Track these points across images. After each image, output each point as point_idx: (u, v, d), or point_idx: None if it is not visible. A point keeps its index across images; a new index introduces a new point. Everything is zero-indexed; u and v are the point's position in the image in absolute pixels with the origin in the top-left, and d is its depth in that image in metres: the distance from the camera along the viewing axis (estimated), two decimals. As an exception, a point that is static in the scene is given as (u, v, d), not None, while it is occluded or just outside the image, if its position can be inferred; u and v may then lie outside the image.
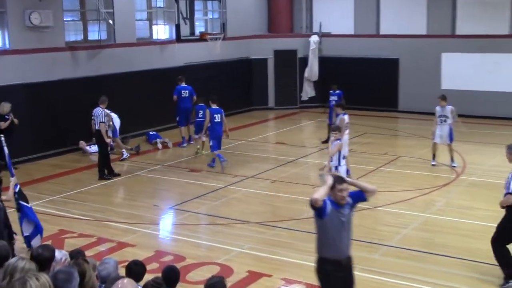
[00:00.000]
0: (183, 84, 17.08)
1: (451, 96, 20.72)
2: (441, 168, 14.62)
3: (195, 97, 16.93)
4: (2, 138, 9.83)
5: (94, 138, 14.97)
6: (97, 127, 13.86)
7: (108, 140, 14.08)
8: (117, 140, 15.99)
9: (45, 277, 4.13)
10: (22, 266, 4.54)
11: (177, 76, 17.43)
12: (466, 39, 20.47)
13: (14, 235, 8.51)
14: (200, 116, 16.00)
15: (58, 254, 5.52)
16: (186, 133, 17.42)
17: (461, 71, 20.59)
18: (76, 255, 5.72)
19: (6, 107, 14.30)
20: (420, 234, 10.26)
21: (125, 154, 15.85)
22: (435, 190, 12.62)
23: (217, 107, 14.71)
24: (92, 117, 14.10)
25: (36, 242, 9.19)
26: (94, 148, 15.47)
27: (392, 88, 21.95)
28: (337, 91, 17.38)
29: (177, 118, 17.28)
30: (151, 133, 17.64)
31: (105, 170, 14.01)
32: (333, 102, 17.02)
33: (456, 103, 20.46)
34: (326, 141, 16.59)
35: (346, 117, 13.38)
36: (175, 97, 17.03)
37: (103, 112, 13.88)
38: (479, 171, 14.16)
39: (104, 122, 13.81)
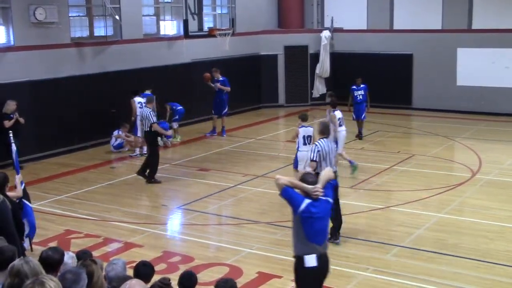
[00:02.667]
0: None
1: (467, 93, 20.58)
2: (456, 167, 14.46)
3: (228, 88, 17.90)
4: (11, 135, 9.90)
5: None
6: (146, 128, 13.39)
7: (169, 132, 14.75)
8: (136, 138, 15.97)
9: (56, 281, 4.09)
10: (27, 267, 4.46)
11: (188, 71, 17.90)
12: (482, 34, 20.13)
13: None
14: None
15: (65, 257, 5.44)
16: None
17: (477, 67, 20.27)
18: (83, 255, 5.67)
19: (11, 105, 14.13)
20: (433, 235, 10.07)
21: (137, 153, 15.78)
22: (450, 190, 12.40)
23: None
24: (139, 117, 13.83)
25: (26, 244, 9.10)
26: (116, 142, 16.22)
27: (405, 85, 21.67)
28: (362, 85, 17.09)
29: (227, 109, 18.19)
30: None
31: (146, 172, 13.57)
32: (360, 97, 16.87)
33: (472, 99, 20.35)
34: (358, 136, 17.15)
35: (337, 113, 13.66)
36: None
37: (151, 113, 13.36)
38: (496, 169, 13.89)
39: (156, 123, 13.35)
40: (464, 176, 13.32)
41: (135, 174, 13.62)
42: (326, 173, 6.45)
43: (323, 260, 6.29)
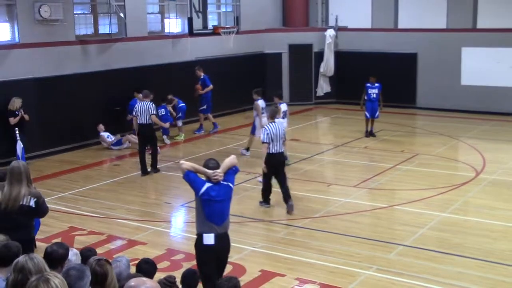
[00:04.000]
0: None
1: (472, 92, 20.53)
2: (460, 167, 14.41)
3: (210, 87, 17.93)
4: (17, 132, 9.93)
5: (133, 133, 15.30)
6: (147, 121, 13.57)
7: (167, 125, 15.54)
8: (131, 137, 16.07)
9: (61, 278, 4.09)
10: (32, 263, 4.49)
11: (192, 69, 17.82)
12: (487, 33, 20.05)
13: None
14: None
15: (69, 253, 5.48)
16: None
17: (482, 66, 20.18)
18: (87, 253, 5.70)
19: (17, 102, 14.19)
20: (437, 234, 10.05)
21: (125, 146, 16.05)
22: (453, 189, 12.37)
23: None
24: (134, 113, 13.79)
25: None
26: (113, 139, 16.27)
27: (410, 84, 21.62)
28: (376, 84, 17.04)
29: (205, 106, 18.07)
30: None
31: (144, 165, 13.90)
32: (374, 95, 16.87)
33: (476, 99, 20.31)
34: (368, 135, 17.24)
35: (260, 102, 14.68)
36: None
37: (152, 105, 13.66)
38: (500, 169, 13.84)
39: (155, 114, 13.70)
40: (468, 176, 13.29)
41: (149, 171, 13.93)
42: (229, 159, 6.90)
43: (221, 240, 6.80)
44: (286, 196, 11.10)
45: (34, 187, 7.29)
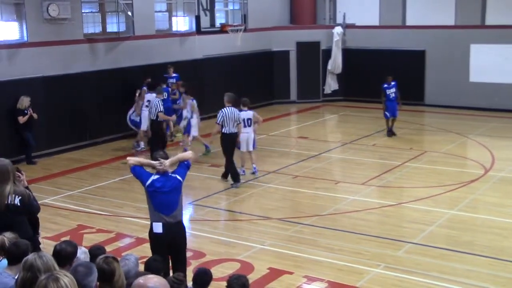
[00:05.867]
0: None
1: (480, 89, 20.43)
2: (468, 164, 14.35)
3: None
4: None
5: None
6: (153, 117, 14.12)
7: (173, 118, 15.30)
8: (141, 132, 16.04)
9: (70, 277, 4.06)
10: (41, 262, 4.46)
11: (200, 67, 17.97)
12: (496, 30, 19.93)
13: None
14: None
15: (78, 251, 5.46)
16: None
17: (490, 63, 20.06)
18: (97, 251, 5.69)
19: (25, 101, 14.25)
20: (446, 232, 10.01)
21: (141, 146, 15.91)
22: (462, 187, 12.31)
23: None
24: (146, 109, 14.85)
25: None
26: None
27: (418, 81, 21.52)
28: (392, 83, 16.94)
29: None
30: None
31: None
32: (393, 95, 16.81)
33: (485, 96, 20.20)
34: (390, 134, 17.02)
35: (194, 102, 15.10)
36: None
37: (159, 102, 14.22)
38: (509, 166, 13.75)
39: (162, 112, 14.09)
40: (477, 173, 13.22)
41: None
42: (182, 154, 7.36)
43: (171, 229, 7.00)
44: (226, 174, 12.71)
45: (27, 186, 7.18)
